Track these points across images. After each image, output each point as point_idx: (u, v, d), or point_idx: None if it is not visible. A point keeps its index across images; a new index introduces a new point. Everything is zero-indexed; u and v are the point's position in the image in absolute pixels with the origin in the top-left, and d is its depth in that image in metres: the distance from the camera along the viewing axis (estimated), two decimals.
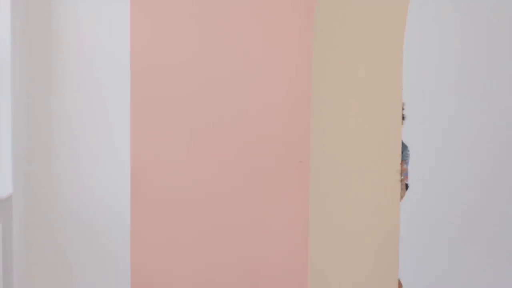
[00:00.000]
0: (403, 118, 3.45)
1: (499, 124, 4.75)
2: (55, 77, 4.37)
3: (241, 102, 2.65)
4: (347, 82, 2.80)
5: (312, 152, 2.58)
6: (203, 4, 2.69)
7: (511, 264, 4.71)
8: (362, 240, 2.99)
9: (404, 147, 3.53)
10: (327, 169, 2.69)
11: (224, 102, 2.67)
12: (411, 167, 3.55)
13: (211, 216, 2.71)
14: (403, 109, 3.42)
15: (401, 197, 3.45)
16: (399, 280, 3.63)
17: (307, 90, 2.56)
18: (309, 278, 2.59)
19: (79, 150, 4.35)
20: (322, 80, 2.60)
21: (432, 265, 4.78)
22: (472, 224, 4.81)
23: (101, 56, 4.32)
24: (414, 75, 4.34)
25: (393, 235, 3.29)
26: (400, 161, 3.30)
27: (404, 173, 3.49)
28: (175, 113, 2.75)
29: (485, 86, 4.79)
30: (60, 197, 4.41)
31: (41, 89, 4.39)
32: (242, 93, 2.65)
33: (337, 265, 2.80)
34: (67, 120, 4.35)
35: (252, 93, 2.64)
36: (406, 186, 3.54)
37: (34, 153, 4.41)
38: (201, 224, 2.73)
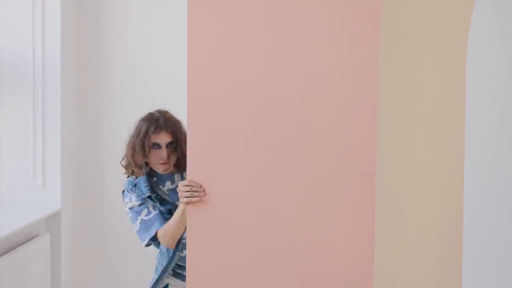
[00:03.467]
0: None
1: None
2: (105, 96, 4.33)
3: (304, 113, 2.54)
4: (412, 91, 2.69)
5: (378, 164, 2.47)
6: (267, 7, 2.58)
7: None
8: (427, 252, 2.89)
9: None
10: (393, 181, 2.59)
11: (286, 112, 2.56)
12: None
13: (272, 230, 2.61)
14: None
15: None
16: None
17: (372, 100, 2.44)
18: None
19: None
20: (388, 89, 2.49)
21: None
22: None
23: (156, 62, 4.27)
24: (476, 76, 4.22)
25: (456, 239, 3.19)
26: (463, 164, 3.19)
27: None
28: (234, 121, 2.64)
29: None
30: (107, 211, 4.38)
31: (90, 108, 4.36)
32: (305, 103, 2.54)
33: (403, 277, 2.70)
34: (114, 136, 4.30)
35: (315, 103, 2.53)
36: None
37: (82, 169, 4.38)
38: (262, 240, 2.63)
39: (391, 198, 2.57)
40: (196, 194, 2.65)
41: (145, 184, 3.06)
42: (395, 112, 2.58)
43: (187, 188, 2.65)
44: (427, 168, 2.84)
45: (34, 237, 3.99)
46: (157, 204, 3.06)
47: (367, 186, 2.48)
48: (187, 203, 2.67)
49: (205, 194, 2.64)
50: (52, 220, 4.16)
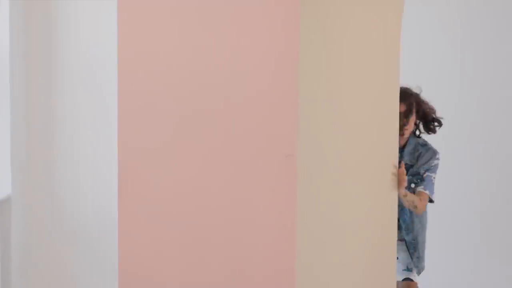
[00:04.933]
0: (439, 124, 3.43)
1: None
2: (54, 78, 4.37)
3: (226, 96, 2.59)
4: (337, 73, 2.73)
5: (299, 146, 2.51)
6: (192, 4, 2.65)
7: None
8: (355, 237, 2.93)
9: (433, 153, 3.44)
10: (315, 164, 2.63)
11: (209, 96, 2.61)
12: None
13: (197, 211, 2.65)
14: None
15: (420, 208, 3.39)
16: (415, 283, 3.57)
17: (294, 82, 2.49)
18: (297, 275, 2.53)
19: (75, 151, 4.35)
20: (310, 71, 2.53)
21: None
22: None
23: (93, 59, 4.32)
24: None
25: (389, 232, 3.22)
26: (397, 156, 3.23)
27: (428, 183, 3.43)
28: (161, 110, 2.69)
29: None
30: (58, 197, 4.40)
31: (39, 91, 4.39)
32: (227, 87, 2.59)
33: (327, 262, 2.73)
34: (64, 121, 4.35)
35: (237, 86, 2.58)
36: (430, 200, 3.47)
37: (32, 155, 4.41)
38: (187, 219, 2.67)
39: (313, 181, 2.61)
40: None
41: None
42: (318, 96, 2.62)
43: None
44: (355, 157, 2.88)
45: None
46: None
47: (288, 168, 2.52)
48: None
49: None
50: (2, 206, 4.18)
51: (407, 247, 3.46)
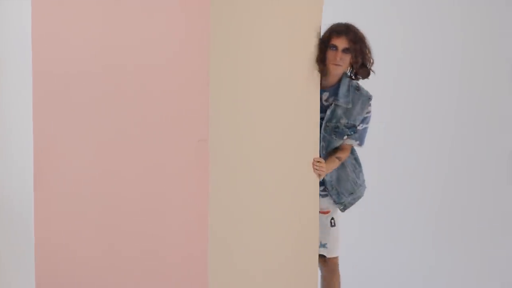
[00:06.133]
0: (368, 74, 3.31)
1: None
2: None
3: (139, 80, 2.60)
4: (250, 53, 2.73)
5: (211, 131, 2.53)
6: None
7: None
8: (273, 222, 2.95)
9: (367, 99, 3.37)
10: (228, 148, 2.64)
11: (123, 80, 2.62)
12: None
13: (110, 196, 2.66)
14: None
15: (342, 160, 3.38)
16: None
17: (204, 63, 2.50)
18: (209, 261, 2.55)
19: None
20: (221, 52, 2.54)
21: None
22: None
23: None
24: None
25: (311, 215, 3.25)
26: (317, 141, 3.25)
27: (362, 135, 3.40)
28: (75, 98, 2.70)
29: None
30: None
31: None
32: (141, 70, 2.59)
33: (243, 250, 2.76)
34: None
35: (150, 71, 2.58)
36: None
37: None
38: (101, 204, 2.68)
39: (227, 166, 2.63)
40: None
41: None
42: (231, 78, 2.63)
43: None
44: (268, 134, 2.87)
45: None
46: None
47: (201, 152, 2.54)
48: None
49: None
50: None
51: (326, 188, 3.40)
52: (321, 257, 3.43)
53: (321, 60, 3.18)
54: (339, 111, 3.28)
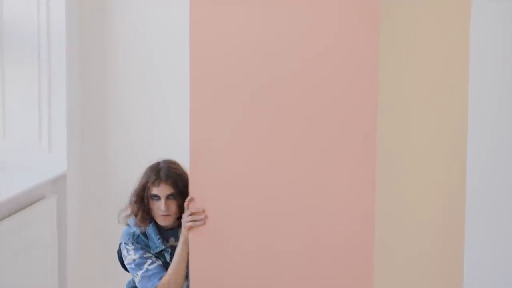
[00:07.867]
0: None
1: None
2: (109, 60, 4.35)
3: (303, 75, 2.53)
4: (419, 52, 2.66)
5: (379, 126, 2.45)
6: None
7: None
8: (426, 219, 2.88)
9: None
10: (394, 144, 2.57)
11: (285, 75, 2.55)
12: None
13: (271, 195, 2.61)
14: None
15: None
16: None
17: (374, 61, 2.42)
18: (375, 267, 2.49)
19: (131, 130, 4.33)
20: (391, 50, 2.46)
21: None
22: None
23: (162, 29, 4.28)
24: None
25: (459, 204, 3.18)
26: (465, 140, 3.18)
27: None
28: (234, 97, 2.64)
29: None
30: (112, 176, 4.40)
31: (95, 72, 4.36)
32: (304, 65, 2.52)
33: (405, 244, 2.69)
34: (120, 100, 4.33)
35: (314, 64, 2.51)
36: None
37: (87, 133, 4.39)
38: (261, 204, 2.63)
39: (392, 162, 2.55)
40: (199, 219, 2.72)
41: (157, 237, 2.99)
42: (398, 75, 2.55)
43: (189, 215, 2.73)
44: (431, 131, 2.82)
45: (39, 200, 4.01)
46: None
47: (367, 148, 2.47)
48: (189, 228, 2.74)
49: (207, 217, 2.71)
50: (58, 183, 4.17)
51: None
52: None
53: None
54: None
